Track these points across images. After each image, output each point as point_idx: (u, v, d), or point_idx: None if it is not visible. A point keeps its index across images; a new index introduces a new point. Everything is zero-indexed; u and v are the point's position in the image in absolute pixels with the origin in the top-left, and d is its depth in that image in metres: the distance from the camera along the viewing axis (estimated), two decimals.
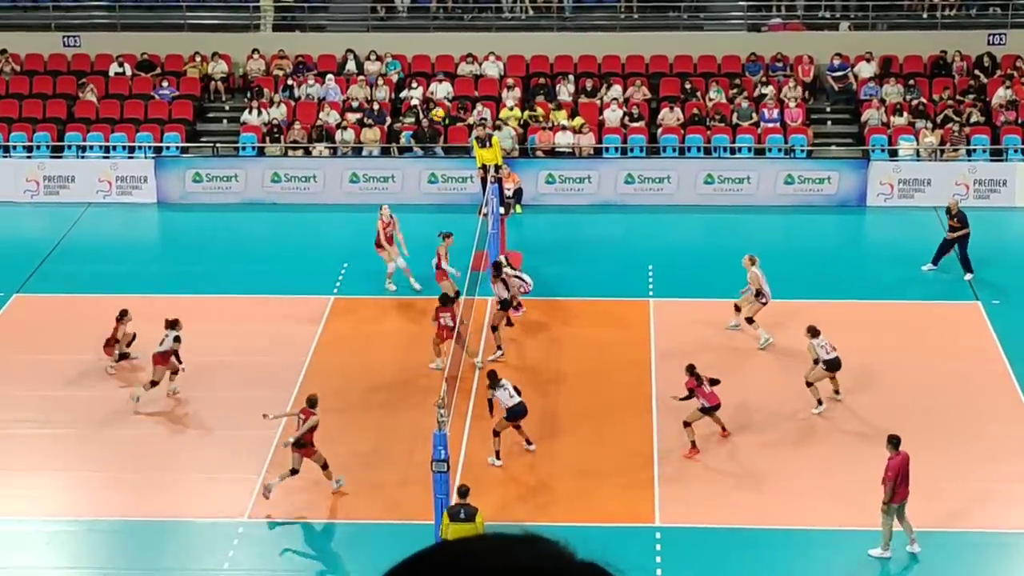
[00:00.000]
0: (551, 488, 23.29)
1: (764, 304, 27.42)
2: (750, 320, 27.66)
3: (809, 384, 25.27)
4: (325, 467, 22.84)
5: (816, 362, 25.29)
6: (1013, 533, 22.46)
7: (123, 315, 26.97)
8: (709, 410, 23.76)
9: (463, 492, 20.66)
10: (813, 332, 25.30)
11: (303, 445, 22.62)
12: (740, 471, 23.65)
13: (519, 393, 23.71)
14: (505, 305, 27.54)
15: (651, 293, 30.09)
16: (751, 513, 22.63)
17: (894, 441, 21.27)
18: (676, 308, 29.33)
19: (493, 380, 23.77)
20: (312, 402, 22.83)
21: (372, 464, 23.95)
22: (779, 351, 27.52)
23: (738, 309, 27.80)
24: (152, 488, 23.38)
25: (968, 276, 30.42)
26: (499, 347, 27.33)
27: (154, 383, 25.60)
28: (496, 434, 23.69)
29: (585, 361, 27.25)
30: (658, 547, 21.64)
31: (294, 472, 22.63)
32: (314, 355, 27.43)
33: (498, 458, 23.78)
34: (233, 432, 24.93)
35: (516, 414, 23.74)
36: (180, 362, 25.87)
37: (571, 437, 24.64)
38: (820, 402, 25.22)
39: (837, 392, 25.54)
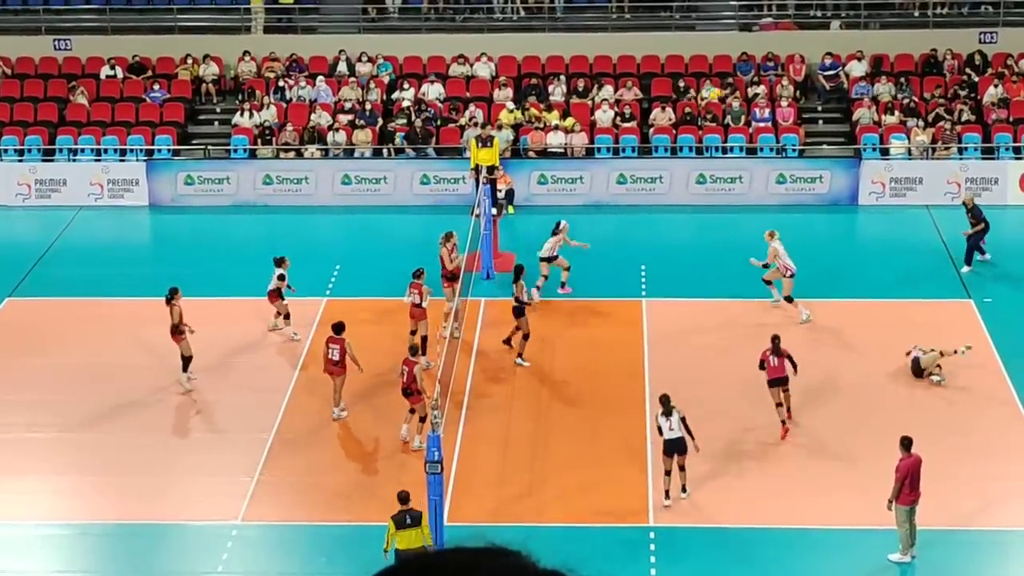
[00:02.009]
0: (545, 489, 23.25)
1: (792, 276, 28.13)
2: (789, 299, 28.34)
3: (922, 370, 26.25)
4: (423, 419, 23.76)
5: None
6: (1005, 531, 22.45)
7: (173, 294, 25.85)
8: (771, 383, 24.14)
9: (403, 498, 20.33)
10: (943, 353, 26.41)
11: (411, 393, 23.82)
12: (734, 471, 23.60)
13: (685, 429, 22.20)
14: (519, 312, 26.78)
15: (644, 293, 30.08)
16: (745, 513, 22.61)
17: (906, 443, 21.15)
18: (669, 308, 29.33)
19: (665, 405, 22.30)
20: (414, 350, 24.20)
21: (365, 466, 23.93)
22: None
23: (768, 283, 28.53)
24: (145, 491, 23.34)
25: (965, 269, 30.78)
26: (520, 354, 26.92)
27: (286, 316, 27.70)
28: (667, 473, 22.39)
29: (578, 361, 27.24)
30: (652, 547, 21.64)
31: (422, 420, 23.58)
32: (307, 358, 27.38)
33: (667, 497, 22.45)
34: (226, 435, 24.91)
35: (672, 448, 22.26)
36: (283, 299, 27.41)
37: (565, 437, 24.63)
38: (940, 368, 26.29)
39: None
